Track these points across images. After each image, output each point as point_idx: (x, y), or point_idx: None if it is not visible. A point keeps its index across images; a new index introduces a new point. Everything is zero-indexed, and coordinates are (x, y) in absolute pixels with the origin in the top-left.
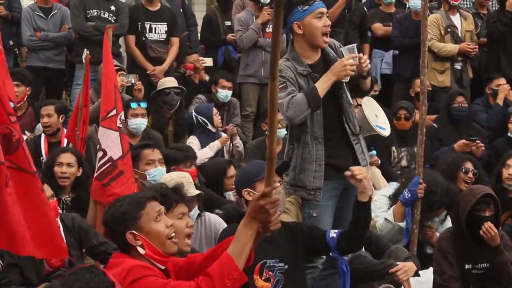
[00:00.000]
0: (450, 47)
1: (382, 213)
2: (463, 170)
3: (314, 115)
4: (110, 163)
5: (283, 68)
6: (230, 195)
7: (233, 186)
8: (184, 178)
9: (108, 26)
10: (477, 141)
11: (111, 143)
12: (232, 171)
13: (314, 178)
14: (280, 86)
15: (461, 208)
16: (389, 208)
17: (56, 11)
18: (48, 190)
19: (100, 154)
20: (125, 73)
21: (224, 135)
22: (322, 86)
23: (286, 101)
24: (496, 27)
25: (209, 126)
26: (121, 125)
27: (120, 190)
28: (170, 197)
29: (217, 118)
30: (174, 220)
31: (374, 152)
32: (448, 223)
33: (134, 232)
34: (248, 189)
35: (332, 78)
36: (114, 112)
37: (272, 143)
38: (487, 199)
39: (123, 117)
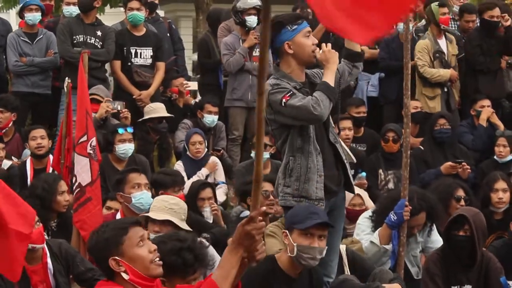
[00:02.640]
0: (443, 72)
1: (366, 235)
2: (456, 198)
3: (315, 126)
4: (79, 189)
5: (278, 82)
6: (207, 212)
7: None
8: (180, 209)
9: (83, 51)
10: (463, 163)
11: (80, 169)
12: (206, 193)
13: (317, 189)
14: (287, 95)
15: (443, 229)
16: (372, 230)
17: (41, 36)
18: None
19: (74, 179)
20: (111, 100)
21: (215, 159)
22: (329, 77)
23: (308, 102)
24: (475, 56)
25: (188, 153)
26: (91, 151)
27: (86, 217)
28: (190, 266)
29: (192, 147)
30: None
31: (363, 173)
32: (436, 236)
33: (117, 258)
34: (286, 231)
35: (333, 68)
36: (84, 138)
37: (259, 164)
38: (461, 219)
39: (94, 143)
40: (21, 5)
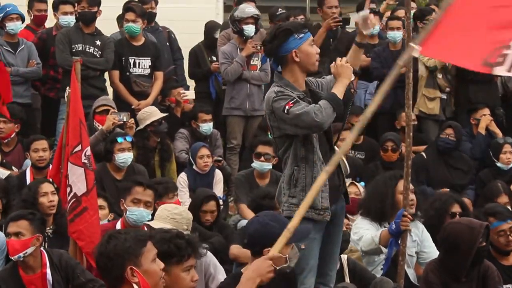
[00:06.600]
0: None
1: (364, 231)
2: (451, 214)
3: (319, 134)
4: (74, 199)
5: (282, 90)
6: None
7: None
8: (183, 219)
9: (75, 59)
10: None
11: (76, 179)
12: (210, 206)
13: (322, 198)
14: (291, 102)
15: (465, 245)
16: (368, 221)
17: (23, 46)
18: (27, 229)
19: (68, 189)
20: (116, 111)
21: (217, 172)
22: (339, 90)
23: (311, 109)
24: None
25: (194, 167)
26: (86, 161)
27: (83, 227)
28: (184, 249)
29: (200, 161)
30: (180, 272)
31: (362, 183)
32: (431, 246)
33: (134, 268)
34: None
35: (345, 82)
36: (79, 147)
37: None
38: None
39: (88, 153)
40: (1, 15)
